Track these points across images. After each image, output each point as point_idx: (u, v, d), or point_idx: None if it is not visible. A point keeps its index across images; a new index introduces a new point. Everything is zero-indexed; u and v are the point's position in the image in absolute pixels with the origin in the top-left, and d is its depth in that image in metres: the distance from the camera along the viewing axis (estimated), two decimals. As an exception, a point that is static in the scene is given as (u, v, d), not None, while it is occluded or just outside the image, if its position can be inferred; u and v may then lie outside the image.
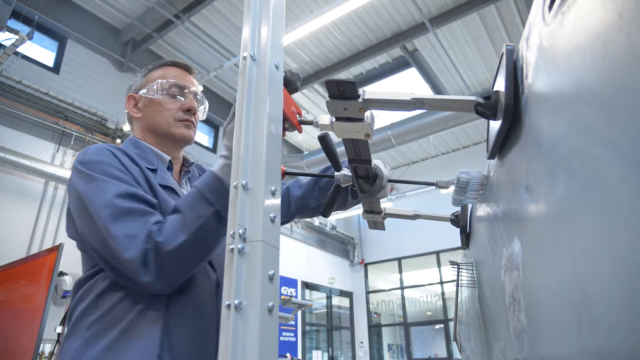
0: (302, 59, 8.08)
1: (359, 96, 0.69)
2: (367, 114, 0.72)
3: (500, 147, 0.60)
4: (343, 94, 0.71)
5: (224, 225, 0.65)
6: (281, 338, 9.27)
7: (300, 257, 10.41)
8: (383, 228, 1.23)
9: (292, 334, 9.53)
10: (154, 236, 0.83)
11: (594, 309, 0.34)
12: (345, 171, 0.96)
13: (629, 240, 0.28)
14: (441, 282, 10.56)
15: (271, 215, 0.57)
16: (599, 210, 0.32)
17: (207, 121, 9.09)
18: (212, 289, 0.99)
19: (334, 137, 0.93)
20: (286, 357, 7.92)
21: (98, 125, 6.82)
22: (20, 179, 5.82)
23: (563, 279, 0.41)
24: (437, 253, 10.63)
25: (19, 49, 5.23)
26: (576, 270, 0.37)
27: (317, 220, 10.68)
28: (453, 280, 1.16)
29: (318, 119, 0.78)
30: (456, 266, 1.25)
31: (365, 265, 11.98)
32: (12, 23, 5.27)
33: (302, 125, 0.82)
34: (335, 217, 11.39)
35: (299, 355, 9.60)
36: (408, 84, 8.68)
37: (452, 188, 0.91)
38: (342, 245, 12.06)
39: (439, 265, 10.66)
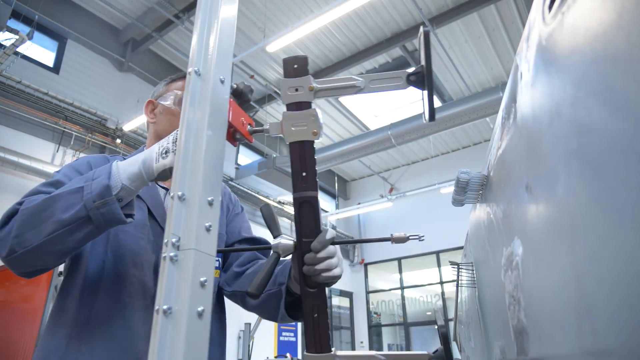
0: (302, 59, 8.09)
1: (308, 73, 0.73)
2: (313, 110, 0.74)
3: (431, 110, 0.71)
4: (297, 72, 0.74)
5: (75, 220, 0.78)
6: (281, 338, 9.27)
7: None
8: None
9: (292, 334, 9.53)
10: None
11: (594, 308, 0.34)
12: (284, 238, 0.82)
13: (628, 240, 0.28)
14: (441, 282, 10.56)
15: (206, 224, 0.60)
16: (598, 210, 0.32)
17: (207, 121, 9.09)
18: (150, 301, 0.99)
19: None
20: (286, 357, 7.91)
21: (98, 125, 6.82)
22: (20, 178, 5.82)
23: (563, 279, 0.41)
24: (437, 253, 10.62)
25: (19, 49, 5.23)
26: (576, 270, 0.37)
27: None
28: (453, 281, 1.16)
29: (268, 125, 0.78)
30: (456, 266, 1.25)
31: (365, 265, 11.98)
32: (12, 23, 5.27)
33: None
34: (335, 217, 11.39)
35: (299, 355, 9.59)
36: (408, 84, 8.68)
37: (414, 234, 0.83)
38: (342, 245, 12.03)
39: (439, 265, 10.66)
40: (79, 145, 6.55)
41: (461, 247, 1.51)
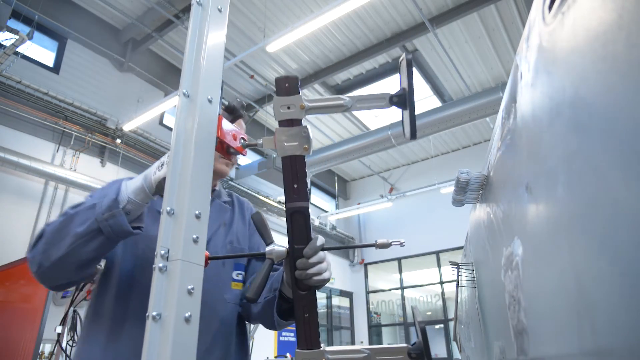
0: (302, 59, 8.08)
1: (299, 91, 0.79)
2: (304, 127, 0.80)
3: (412, 129, 0.78)
4: (288, 90, 0.80)
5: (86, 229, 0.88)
6: (281, 338, 9.27)
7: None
8: None
9: (292, 334, 9.52)
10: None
11: (594, 308, 0.34)
12: (277, 245, 0.87)
13: (628, 240, 0.28)
14: (441, 282, 10.56)
15: (194, 236, 0.65)
16: (598, 210, 0.32)
17: (207, 121, 9.09)
18: None
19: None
20: (286, 357, 7.91)
21: (98, 125, 6.82)
22: (20, 178, 5.82)
23: (563, 279, 0.41)
24: (437, 253, 10.63)
25: (18, 49, 5.23)
26: (576, 270, 0.37)
27: (316, 220, 10.68)
28: (453, 280, 1.16)
29: (261, 140, 0.84)
30: (456, 266, 1.25)
31: (365, 265, 11.98)
32: (12, 23, 5.27)
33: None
34: (335, 217, 11.39)
35: (299, 355, 9.58)
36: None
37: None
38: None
39: (438, 265, 10.66)
40: (79, 145, 6.55)
41: (461, 247, 1.51)
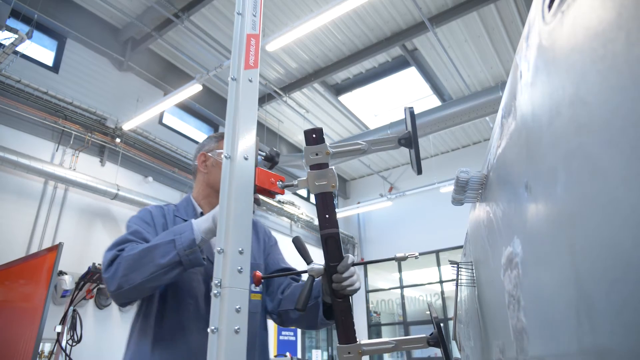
0: (302, 58, 8.08)
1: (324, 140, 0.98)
2: (331, 169, 0.99)
3: (418, 165, 0.96)
4: (316, 140, 0.98)
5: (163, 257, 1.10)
6: (281, 337, 9.28)
7: (300, 256, 10.39)
8: None
9: (291, 333, 9.53)
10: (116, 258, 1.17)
11: (593, 307, 0.34)
12: (315, 264, 1.08)
13: (627, 239, 0.28)
14: (441, 282, 10.57)
15: (238, 267, 0.83)
16: (597, 209, 0.32)
17: (207, 120, 9.09)
18: (204, 322, 1.24)
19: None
20: (286, 356, 7.92)
21: (97, 125, 6.81)
22: (19, 178, 5.81)
23: (562, 278, 0.41)
24: (437, 252, 10.63)
25: (18, 48, 5.22)
26: (575, 269, 0.37)
27: (316, 220, 10.67)
28: (452, 280, 1.17)
29: (296, 181, 1.03)
30: (456, 265, 1.25)
31: (365, 264, 11.98)
32: (12, 22, 5.26)
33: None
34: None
35: (299, 354, 9.60)
36: (407, 83, 8.68)
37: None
38: (341, 244, 12.03)
39: (438, 265, 10.66)
40: (78, 145, 6.54)
41: (461, 247, 1.51)
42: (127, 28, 7.42)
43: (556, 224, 0.42)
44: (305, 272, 1.10)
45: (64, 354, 4.54)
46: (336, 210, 1.08)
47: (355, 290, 1.06)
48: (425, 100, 9.14)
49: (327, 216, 1.01)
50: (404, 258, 1.06)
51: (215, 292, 0.80)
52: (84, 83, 6.94)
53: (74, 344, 4.85)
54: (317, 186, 0.99)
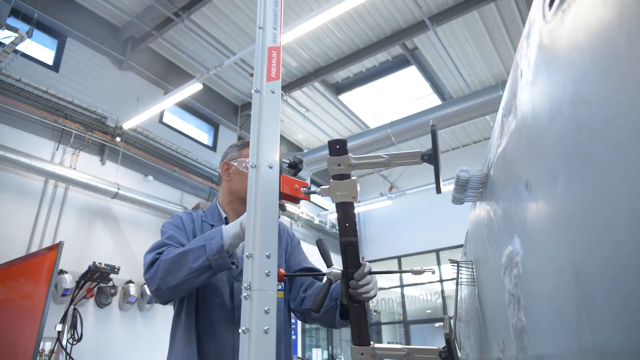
0: (302, 57, 8.07)
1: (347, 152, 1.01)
2: (353, 180, 1.01)
3: (438, 183, 0.99)
4: (339, 151, 1.01)
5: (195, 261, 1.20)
6: (281, 336, 9.27)
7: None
8: None
9: (292, 332, 9.54)
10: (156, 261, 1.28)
11: (593, 306, 0.34)
12: (335, 268, 1.14)
13: (628, 238, 0.28)
14: (441, 280, 10.57)
15: (266, 271, 0.88)
16: (598, 208, 0.32)
17: (207, 119, 9.09)
18: (230, 319, 1.38)
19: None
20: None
21: (98, 124, 6.81)
22: (19, 177, 5.81)
23: (562, 277, 0.41)
24: (437, 251, 10.63)
25: (18, 47, 5.21)
26: (575, 268, 0.37)
27: (316, 219, 10.68)
28: (453, 279, 1.17)
29: (319, 189, 1.05)
30: (456, 264, 1.26)
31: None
32: (12, 21, 5.26)
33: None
34: (335, 215, 11.36)
35: (299, 353, 9.61)
36: (408, 82, 8.67)
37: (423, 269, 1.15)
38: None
39: (438, 264, 10.67)
40: (78, 144, 6.54)
41: (461, 245, 1.51)
42: (127, 27, 7.42)
43: (556, 223, 0.42)
44: (324, 274, 1.16)
45: (64, 352, 4.55)
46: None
47: (371, 298, 1.12)
48: (425, 99, 9.13)
49: (347, 225, 1.05)
50: (421, 272, 1.12)
51: (245, 294, 0.85)
52: (84, 82, 6.94)
53: (74, 342, 4.86)
54: (338, 195, 1.02)
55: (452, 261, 1.31)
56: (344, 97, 9.19)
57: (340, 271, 1.12)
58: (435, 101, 8.91)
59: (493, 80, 8.54)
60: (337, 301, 1.35)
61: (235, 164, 1.54)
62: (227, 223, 1.50)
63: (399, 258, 11.40)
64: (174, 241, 1.36)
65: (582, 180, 0.35)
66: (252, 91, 1.03)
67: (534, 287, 0.52)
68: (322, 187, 1.05)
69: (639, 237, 0.26)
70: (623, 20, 0.28)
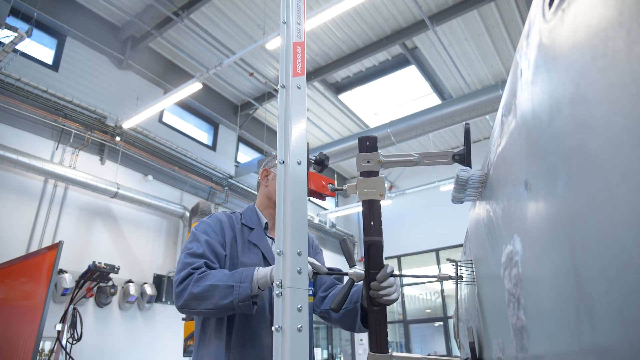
0: (301, 56, 8.06)
1: (377, 149, 1.00)
2: (381, 178, 0.99)
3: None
4: (369, 148, 1.00)
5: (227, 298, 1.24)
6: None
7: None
8: None
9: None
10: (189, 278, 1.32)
11: (593, 306, 0.34)
12: (357, 268, 1.12)
13: (627, 238, 0.28)
14: (440, 280, 10.56)
15: (298, 268, 0.87)
16: (597, 208, 0.32)
17: (206, 119, 9.08)
18: (266, 321, 1.41)
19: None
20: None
21: (97, 123, 6.81)
22: (19, 176, 5.81)
23: (562, 276, 0.41)
24: (437, 251, 10.63)
25: (17, 47, 5.21)
26: (575, 268, 0.37)
27: (316, 218, 10.68)
28: (452, 278, 1.17)
29: (346, 186, 1.05)
30: (455, 263, 1.25)
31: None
32: (11, 20, 5.25)
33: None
34: (335, 215, 11.39)
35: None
36: (407, 81, 8.67)
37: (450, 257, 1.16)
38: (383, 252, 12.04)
39: (438, 263, 10.67)
40: (78, 143, 6.54)
41: (461, 245, 1.51)
42: (127, 26, 7.41)
43: (556, 222, 0.42)
44: (346, 274, 1.13)
45: (64, 352, 4.55)
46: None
47: (392, 301, 1.07)
48: (425, 98, 9.13)
49: (372, 223, 1.03)
50: (447, 278, 1.11)
51: (277, 292, 0.85)
52: (84, 81, 6.94)
53: (74, 342, 4.85)
54: (365, 193, 1.01)
55: (450, 261, 1.31)
56: (344, 96, 9.19)
57: (362, 272, 1.09)
58: (435, 100, 8.91)
59: (493, 80, 8.54)
60: (357, 305, 1.35)
61: (274, 170, 1.59)
62: (266, 228, 1.57)
63: (398, 257, 11.40)
64: (209, 251, 1.40)
65: (581, 179, 0.35)
66: (278, 87, 1.01)
67: (533, 287, 0.52)
68: (348, 184, 1.05)
69: (639, 237, 0.26)
70: (623, 19, 0.28)
